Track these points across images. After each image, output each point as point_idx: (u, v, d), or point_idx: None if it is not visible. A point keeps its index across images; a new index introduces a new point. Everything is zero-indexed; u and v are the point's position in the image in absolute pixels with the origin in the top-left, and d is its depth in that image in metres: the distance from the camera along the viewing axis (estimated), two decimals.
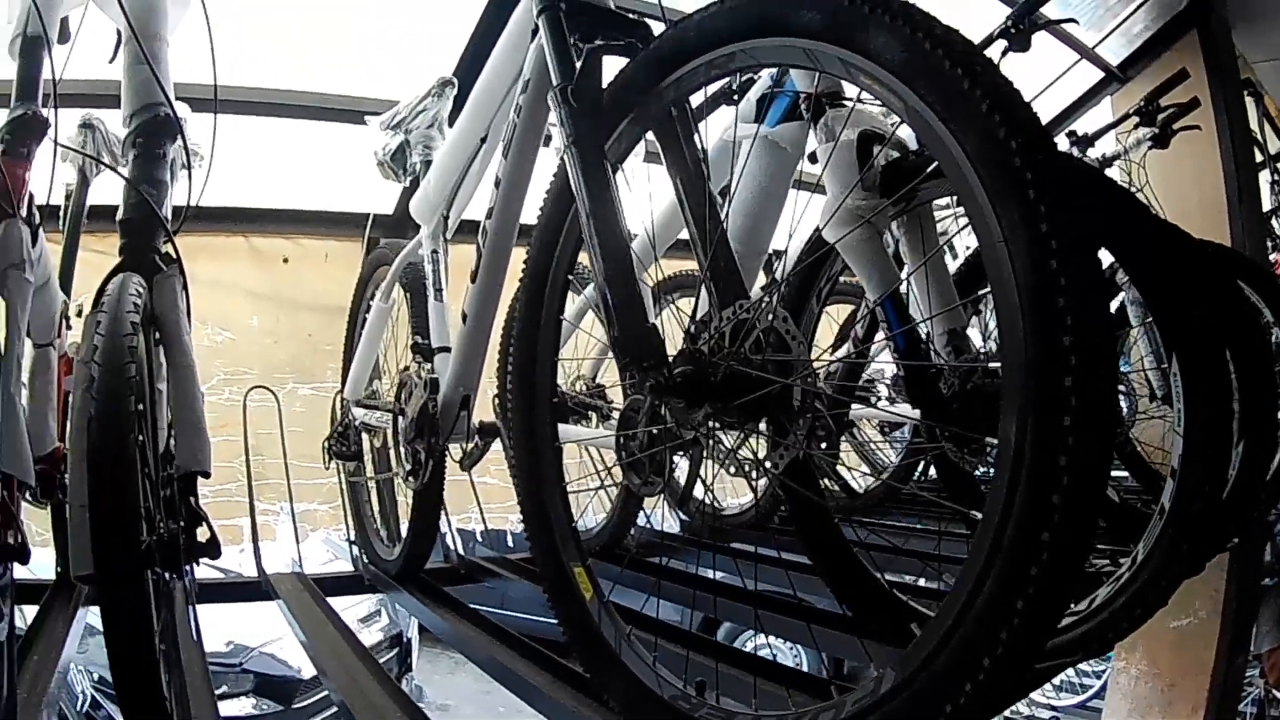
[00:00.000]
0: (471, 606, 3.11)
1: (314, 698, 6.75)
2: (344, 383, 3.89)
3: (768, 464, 1.76)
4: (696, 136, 1.96)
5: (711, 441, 1.78)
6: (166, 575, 1.90)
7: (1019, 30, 3.28)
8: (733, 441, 1.79)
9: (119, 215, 2.24)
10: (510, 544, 4.65)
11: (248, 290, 5.08)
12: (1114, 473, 3.59)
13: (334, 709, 6.53)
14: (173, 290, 2.12)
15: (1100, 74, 5.90)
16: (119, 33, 2.52)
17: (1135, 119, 4.67)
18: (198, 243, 4.56)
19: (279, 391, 4.33)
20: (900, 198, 2.40)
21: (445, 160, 3.03)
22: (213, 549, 1.91)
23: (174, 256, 2.23)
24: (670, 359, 1.80)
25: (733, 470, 1.79)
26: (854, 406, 3.69)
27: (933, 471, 3.80)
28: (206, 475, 1.94)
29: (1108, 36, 5.53)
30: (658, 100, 1.94)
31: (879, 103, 1.51)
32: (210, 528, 1.90)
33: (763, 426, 1.78)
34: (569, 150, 1.91)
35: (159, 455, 1.98)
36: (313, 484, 4.71)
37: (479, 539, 4.59)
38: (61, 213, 3.67)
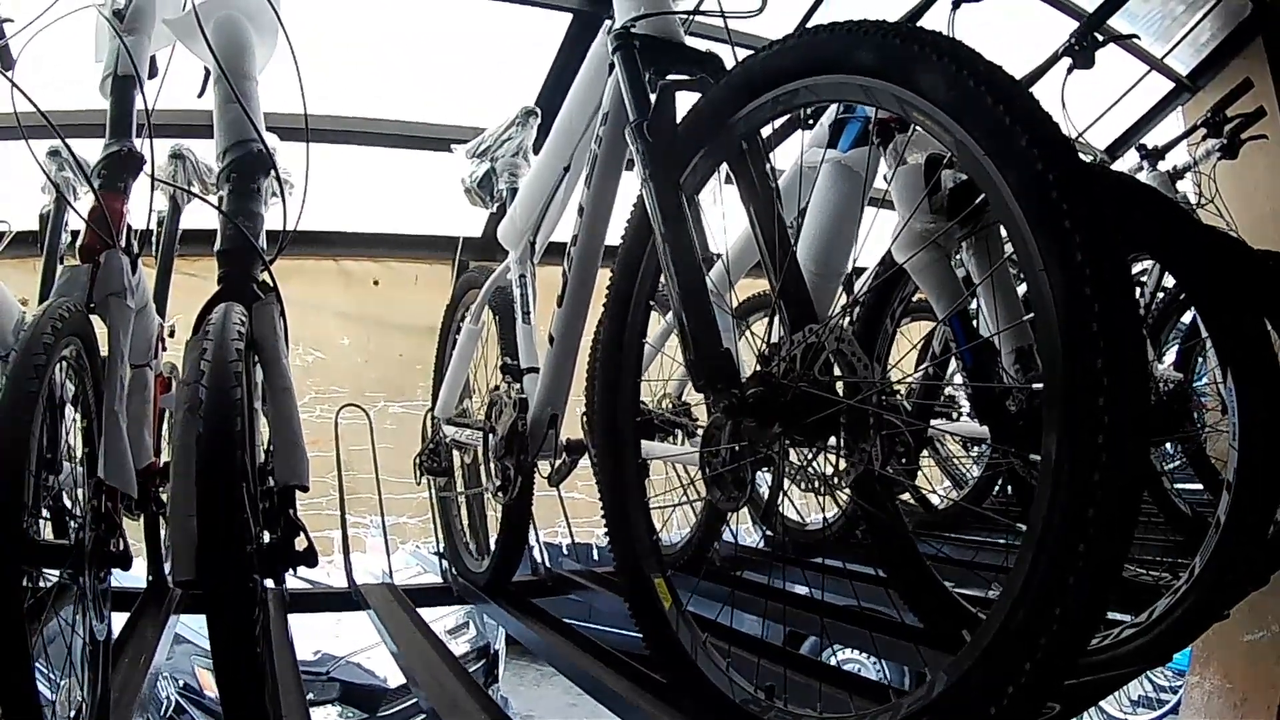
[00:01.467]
0: (557, 618, 3.20)
1: (398, 707, 6.85)
2: (434, 401, 3.95)
3: (836, 480, 1.82)
4: (768, 167, 2.01)
5: (785, 459, 1.83)
6: (266, 582, 2.00)
7: (1082, 47, 3.30)
8: (804, 459, 1.85)
9: (217, 246, 2.35)
10: (595, 558, 4.70)
11: (338, 312, 5.25)
12: (1188, 485, 3.63)
13: (421, 717, 6.63)
14: (271, 317, 2.22)
15: (1170, 84, 5.85)
16: (207, 70, 2.64)
17: (1203, 130, 4.65)
18: (290, 266, 4.68)
19: (370, 409, 4.44)
20: (965, 219, 2.47)
21: (530, 188, 3.11)
22: (310, 558, 2.00)
23: (271, 285, 2.33)
24: (744, 381, 1.86)
25: (803, 486, 1.85)
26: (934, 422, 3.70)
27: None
28: (304, 489, 2.03)
29: (1175, 46, 5.49)
30: (729, 133, 2.00)
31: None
32: (308, 538, 2.00)
33: (832, 443, 1.83)
34: (646, 185, 2.00)
35: (258, 470, 2.10)
36: (402, 498, 4.84)
37: (565, 552, 4.66)
38: (155, 238, 3.83)
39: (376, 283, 5.28)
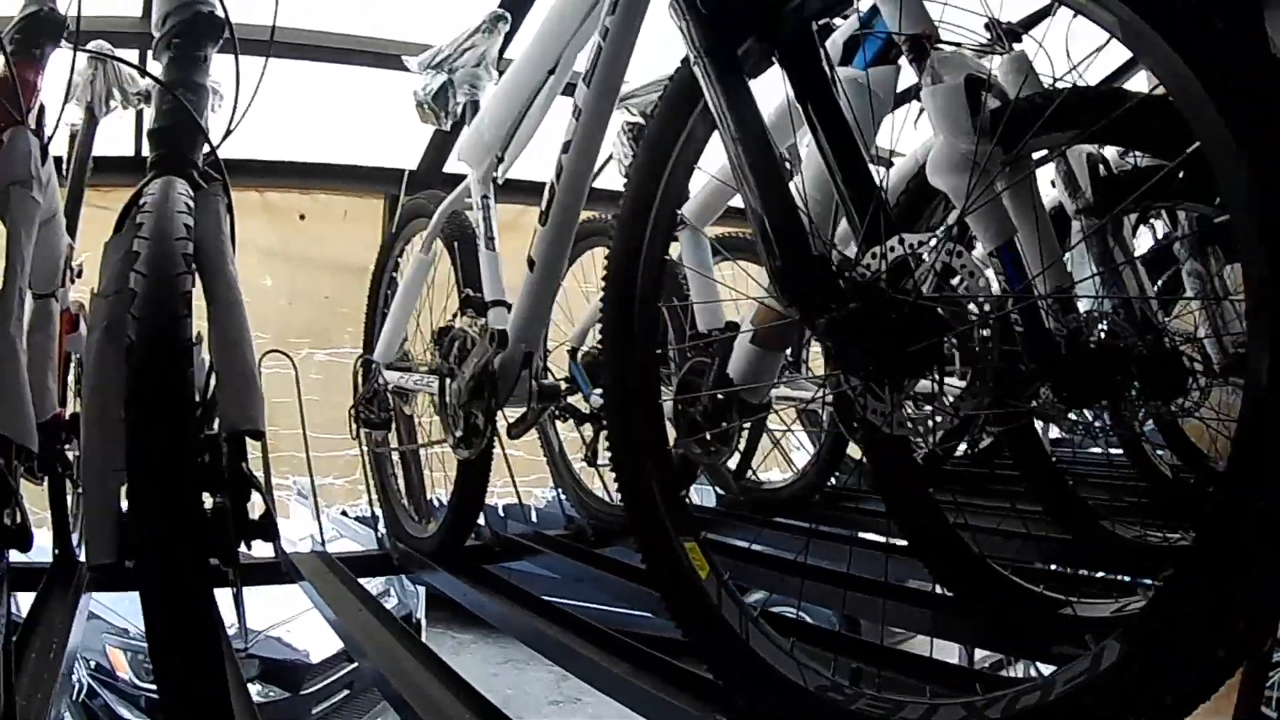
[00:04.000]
0: (531, 592, 2.85)
1: (323, 682, 6.49)
2: (367, 345, 3.69)
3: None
4: (825, 61, 1.70)
5: (871, 393, 1.53)
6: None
7: None
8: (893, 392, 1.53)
9: (149, 125, 1.99)
10: (535, 519, 4.46)
11: (261, 249, 4.81)
12: None
13: (344, 693, 6.31)
14: (216, 210, 1.85)
15: None
16: None
17: None
18: None
19: (294, 357, 4.02)
20: (1009, 145, 2.15)
21: (504, 95, 2.80)
22: (268, 527, 1.62)
23: (217, 175, 1.96)
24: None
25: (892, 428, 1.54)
26: None
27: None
28: (257, 437, 1.64)
29: None
30: (780, 22, 1.70)
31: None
32: (266, 500, 1.62)
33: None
34: (701, 62, 1.68)
35: (199, 412, 1.70)
36: (328, 457, 4.51)
37: (501, 514, 4.37)
38: (66, 159, 3.37)
39: (303, 217, 4.86)
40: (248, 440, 1.64)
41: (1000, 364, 1.52)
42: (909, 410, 1.55)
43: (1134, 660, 1.19)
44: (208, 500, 1.54)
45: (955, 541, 2.26)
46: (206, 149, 2.04)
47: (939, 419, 1.57)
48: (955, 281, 1.54)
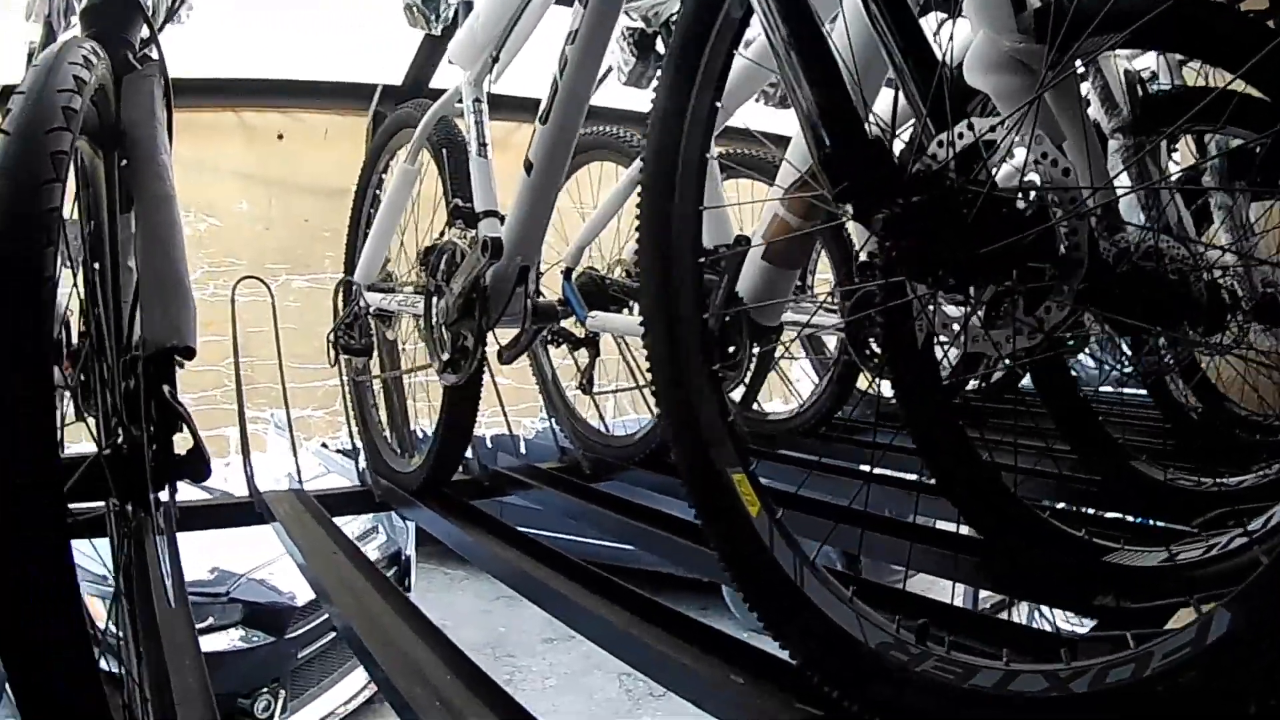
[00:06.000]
0: (527, 534, 2.65)
1: (308, 625, 6.31)
2: (348, 268, 3.51)
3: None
4: None
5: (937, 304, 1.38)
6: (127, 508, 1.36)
7: None
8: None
9: (82, 4, 1.75)
10: (525, 451, 4.21)
11: (237, 171, 4.54)
12: None
13: (331, 635, 6.20)
14: (147, 94, 1.62)
15: None
16: None
17: None
18: (180, 119, 3.96)
19: (271, 284, 3.81)
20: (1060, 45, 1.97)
21: None
22: (197, 464, 1.36)
23: (154, 57, 1.73)
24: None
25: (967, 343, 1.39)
26: None
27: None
28: (188, 355, 1.33)
29: None
30: None
31: None
32: (194, 433, 1.35)
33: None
34: None
35: (119, 330, 1.48)
36: (307, 388, 4.29)
37: (490, 445, 4.15)
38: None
39: (281, 137, 4.57)
40: (182, 358, 1.35)
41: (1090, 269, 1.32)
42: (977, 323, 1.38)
43: (1249, 634, 1.04)
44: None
45: (988, 480, 2.06)
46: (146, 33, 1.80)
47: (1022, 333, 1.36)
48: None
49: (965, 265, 1.32)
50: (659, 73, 1.76)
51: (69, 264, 1.49)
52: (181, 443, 1.37)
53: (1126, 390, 3.32)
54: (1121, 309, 1.91)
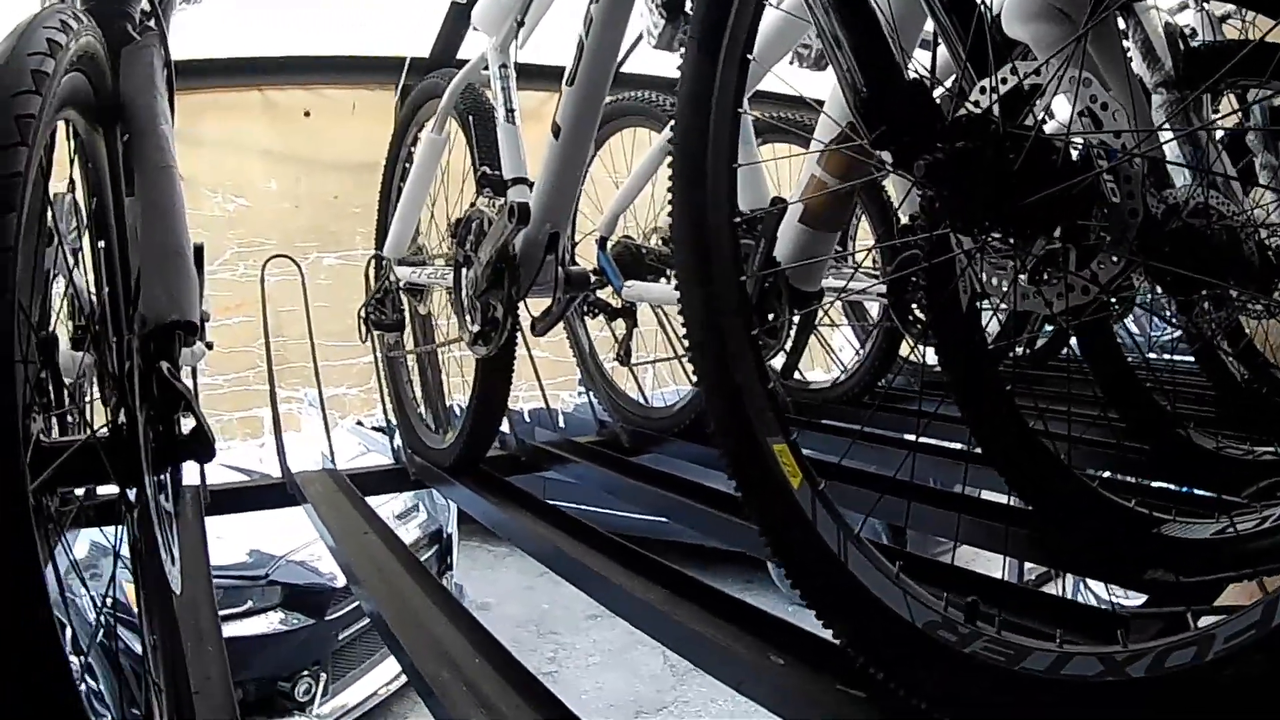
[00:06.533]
0: (565, 512, 2.60)
1: (349, 607, 6.21)
2: (380, 240, 3.46)
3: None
4: None
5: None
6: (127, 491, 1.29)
7: None
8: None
9: None
10: (563, 424, 4.13)
11: (264, 150, 4.50)
12: None
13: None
14: (146, 65, 1.54)
15: None
16: None
17: None
18: (205, 100, 4.07)
19: (301, 262, 3.81)
20: None
21: None
22: (199, 445, 1.27)
23: (154, 29, 1.66)
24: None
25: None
26: None
27: None
28: (190, 330, 1.27)
29: None
30: None
31: None
32: (195, 413, 1.27)
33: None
34: None
35: (122, 308, 1.42)
36: (340, 366, 4.27)
37: (527, 419, 4.12)
38: None
39: (307, 114, 4.51)
40: (184, 334, 1.28)
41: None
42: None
43: None
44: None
45: (1037, 449, 1.98)
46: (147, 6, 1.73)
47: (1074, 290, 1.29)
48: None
49: (1012, 215, 1.25)
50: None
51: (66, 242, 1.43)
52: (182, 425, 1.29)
53: (1166, 356, 3.24)
54: (1174, 266, 1.84)
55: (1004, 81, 1.28)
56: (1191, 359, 3.06)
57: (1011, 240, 1.30)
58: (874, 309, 3.90)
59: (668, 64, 2.94)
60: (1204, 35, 3.22)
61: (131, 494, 1.28)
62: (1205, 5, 2.87)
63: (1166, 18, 2.49)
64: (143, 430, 1.21)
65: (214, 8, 2.16)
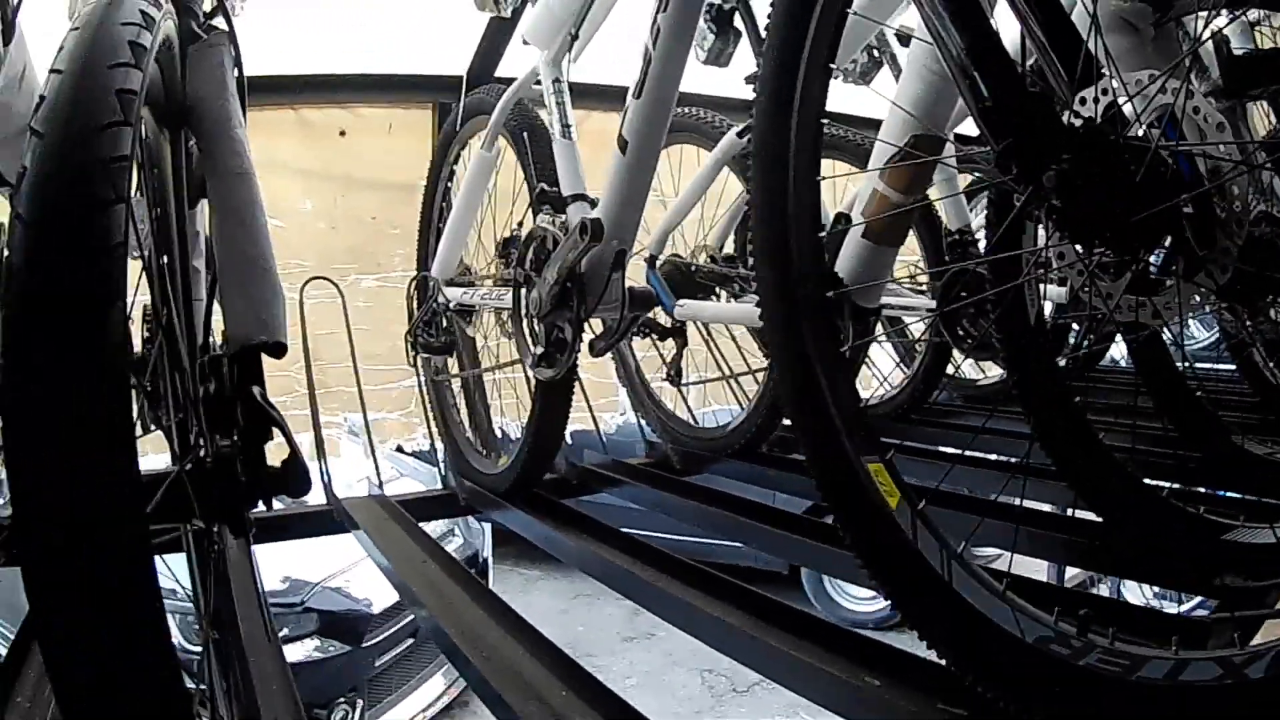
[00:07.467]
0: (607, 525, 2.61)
1: (387, 633, 6.23)
2: (422, 262, 3.46)
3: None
4: None
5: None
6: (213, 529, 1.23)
7: None
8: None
9: None
10: (605, 447, 4.08)
11: (299, 170, 4.47)
12: None
13: (409, 642, 6.17)
14: (217, 66, 1.45)
15: None
16: None
17: None
18: None
19: (340, 284, 3.72)
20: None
21: None
22: (295, 477, 1.17)
23: (221, 28, 1.60)
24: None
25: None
26: None
27: None
28: (278, 352, 1.15)
29: None
30: None
31: None
32: (289, 440, 1.17)
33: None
34: None
35: (192, 328, 1.37)
36: (380, 390, 4.21)
37: (568, 442, 4.05)
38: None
39: (343, 133, 4.49)
40: (272, 356, 1.17)
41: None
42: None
43: None
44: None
45: (1109, 461, 1.99)
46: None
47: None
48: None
49: (1131, 227, 1.23)
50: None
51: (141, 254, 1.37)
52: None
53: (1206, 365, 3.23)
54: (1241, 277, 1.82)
55: (1105, 93, 1.26)
56: (1232, 367, 3.05)
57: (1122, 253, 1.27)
58: (916, 326, 3.88)
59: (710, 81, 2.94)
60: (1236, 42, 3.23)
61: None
62: (1242, 13, 2.86)
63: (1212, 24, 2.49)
64: (236, 462, 1.14)
65: (247, 26, 2.13)
